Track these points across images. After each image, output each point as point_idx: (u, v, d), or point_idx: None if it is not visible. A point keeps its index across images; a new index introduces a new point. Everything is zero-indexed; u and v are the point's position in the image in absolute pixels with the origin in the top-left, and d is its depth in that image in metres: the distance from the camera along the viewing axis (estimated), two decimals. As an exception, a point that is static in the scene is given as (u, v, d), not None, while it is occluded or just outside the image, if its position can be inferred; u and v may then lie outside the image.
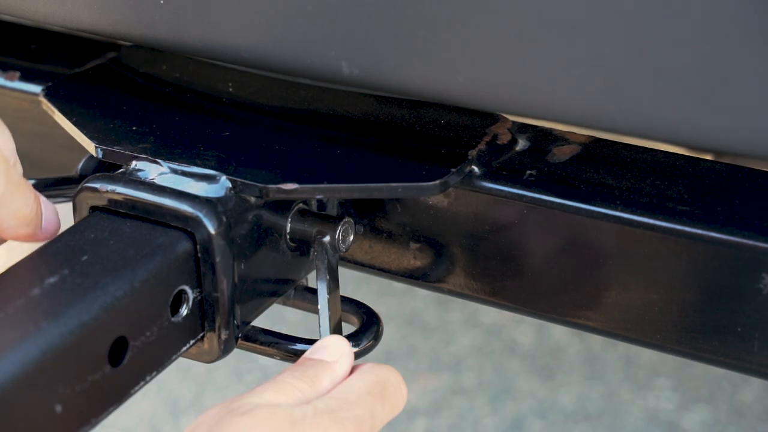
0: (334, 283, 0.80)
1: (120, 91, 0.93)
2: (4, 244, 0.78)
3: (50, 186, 0.85)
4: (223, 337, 0.77)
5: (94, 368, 0.68)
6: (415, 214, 0.84)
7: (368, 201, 0.86)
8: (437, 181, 0.78)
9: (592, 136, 0.85)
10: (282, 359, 0.80)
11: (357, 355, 0.78)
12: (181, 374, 1.99)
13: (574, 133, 0.85)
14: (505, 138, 0.84)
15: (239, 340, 0.79)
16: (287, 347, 0.80)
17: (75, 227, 0.76)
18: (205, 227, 0.75)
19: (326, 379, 0.72)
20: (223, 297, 0.76)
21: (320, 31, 0.77)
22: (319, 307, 0.79)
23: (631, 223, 0.76)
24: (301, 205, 0.83)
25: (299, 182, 0.77)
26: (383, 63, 0.76)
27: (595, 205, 0.78)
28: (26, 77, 0.99)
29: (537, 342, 2.03)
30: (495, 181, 0.81)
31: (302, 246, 0.84)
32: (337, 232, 0.82)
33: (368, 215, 0.86)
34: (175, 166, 0.79)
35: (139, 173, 0.79)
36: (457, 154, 0.81)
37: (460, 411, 1.90)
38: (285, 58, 0.80)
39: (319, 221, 0.83)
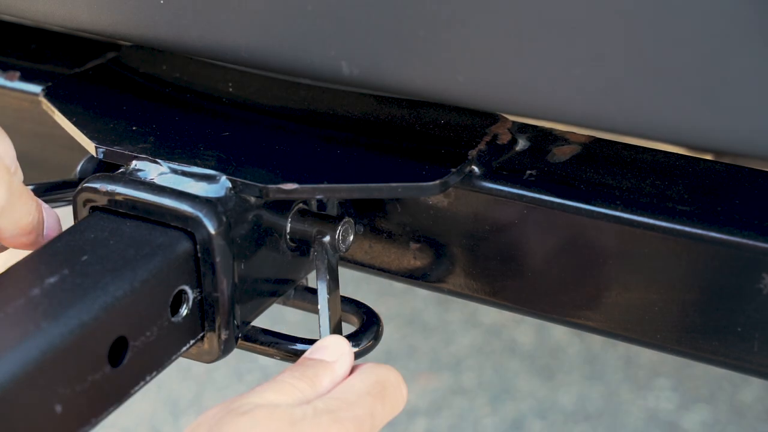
0: (334, 283, 0.80)
1: (120, 91, 0.93)
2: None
3: (49, 190, 0.85)
4: (223, 337, 0.77)
5: (94, 368, 0.68)
6: (415, 214, 0.84)
7: (368, 201, 0.86)
8: (437, 181, 0.78)
9: (592, 136, 0.85)
10: (282, 359, 0.80)
11: (357, 355, 0.78)
12: (181, 374, 1.99)
13: (574, 133, 0.85)
14: (505, 138, 0.84)
15: (239, 340, 0.79)
16: (287, 347, 0.80)
17: (75, 227, 0.76)
18: (205, 227, 0.75)
19: (326, 379, 0.72)
20: (223, 297, 0.76)
21: (320, 31, 0.77)
22: (319, 307, 0.79)
23: (631, 223, 0.76)
24: (301, 205, 0.83)
25: (299, 182, 0.77)
26: (383, 63, 0.76)
27: (595, 205, 0.78)
28: (26, 77, 0.99)
29: (537, 342, 2.03)
30: (495, 181, 0.81)
31: (302, 246, 0.84)
32: (337, 232, 0.82)
33: (368, 215, 0.86)
34: (175, 166, 0.79)
35: (139, 173, 0.79)
36: (457, 154, 0.81)
37: (460, 411, 1.90)
38: (285, 58, 0.80)
39: (319, 221, 0.83)
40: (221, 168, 0.79)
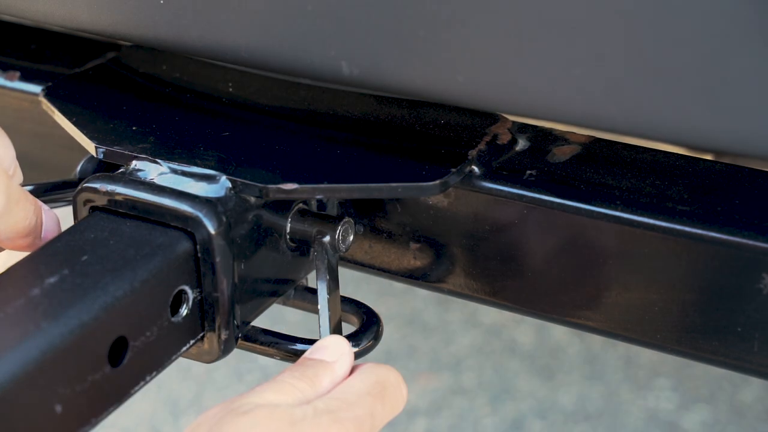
0: (334, 283, 0.80)
1: (120, 91, 0.93)
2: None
3: (49, 190, 0.85)
4: (223, 337, 0.77)
5: (94, 368, 0.68)
6: (415, 214, 0.84)
7: (368, 201, 0.86)
8: (437, 181, 0.78)
9: (592, 136, 0.85)
10: (282, 359, 0.80)
11: (357, 355, 0.78)
12: (181, 374, 1.99)
13: (574, 133, 0.85)
14: (505, 138, 0.84)
15: (239, 340, 0.79)
16: (287, 347, 0.80)
17: (75, 227, 0.76)
18: (205, 227, 0.75)
19: (326, 379, 0.72)
20: (223, 297, 0.76)
21: (320, 31, 0.77)
22: (319, 307, 0.79)
23: (631, 223, 0.76)
24: (301, 205, 0.83)
25: (299, 182, 0.77)
26: (383, 63, 0.76)
27: (595, 205, 0.78)
28: (26, 77, 0.99)
29: (537, 342, 2.03)
30: (495, 181, 0.81)
31: (302, 246, 0.84)
32: (337, 232, 0.82)
33: (368, 215, 0.86)
34: (175, 166, 0.79)
35: (139, 173, 0.79)
36: (457, 154, 0.81)
37: (460, 411, 1.90)
38: (285, 58, 0.80)
39: (319, 221, 0.83)
40: (221, 168, 0.79)
